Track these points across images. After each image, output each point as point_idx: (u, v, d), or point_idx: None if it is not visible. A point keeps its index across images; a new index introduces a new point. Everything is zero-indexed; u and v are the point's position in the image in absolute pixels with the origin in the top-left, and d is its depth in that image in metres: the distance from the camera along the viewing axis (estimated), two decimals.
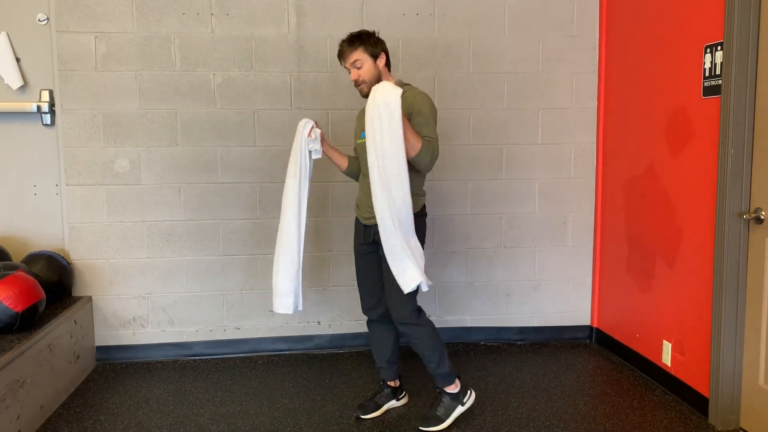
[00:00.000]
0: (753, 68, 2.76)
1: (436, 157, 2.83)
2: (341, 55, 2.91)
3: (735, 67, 2.77)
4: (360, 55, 2.86)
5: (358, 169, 3.09)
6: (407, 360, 3.63)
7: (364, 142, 2.75)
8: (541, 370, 3.66)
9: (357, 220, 3.06)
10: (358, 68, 2.87)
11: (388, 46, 3.87)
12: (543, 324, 4.15)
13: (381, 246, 2.77)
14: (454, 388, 3.01)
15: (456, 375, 3.03)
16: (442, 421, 2.97)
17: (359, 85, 2.91)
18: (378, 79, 2.88)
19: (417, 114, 2.81)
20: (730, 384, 2.91)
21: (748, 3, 2.73)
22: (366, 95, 2.90)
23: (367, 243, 2.98)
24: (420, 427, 2.97)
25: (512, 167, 4.03)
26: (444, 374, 2.98)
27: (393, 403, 3.19)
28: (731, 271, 2.86)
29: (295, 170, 2.92)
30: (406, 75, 3.86)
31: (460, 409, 3.01)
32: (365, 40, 2.87)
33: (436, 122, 2.88)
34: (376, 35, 2.92)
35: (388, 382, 3.19)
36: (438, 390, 3.04)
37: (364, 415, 3.11)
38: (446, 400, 3.00)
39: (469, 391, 3.07)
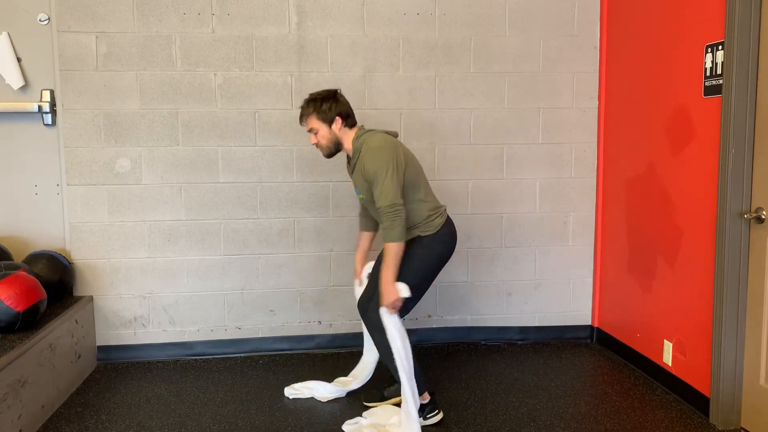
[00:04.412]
0: (754, 68, 2.76)
1: (401, 219, 2.76)
2: (300, 119, 2.97)
3: (736, 67, 2.77)
4: (314, 122, 2.92)
5: (373, 222, 3.21)
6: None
7: (362, 198, 2.97)
8: (541, 370, 3.66)
9: None
10: (315, 134, 2.94)
11: (389, 46, 3.88)
12: (544, 324, 4.15)
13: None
14: (421, 400, 2.96)
15: (425, 389, 2.97)
16: None
17: (318, 147, 2.99)
18: (336, 142, 2.94)
19: (371, 185, 2.83)
20: (731, 383, 2.91)
21: (749, 2, 2.73)
22: (328, 156, 3.01)
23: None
24: None
25: (513, 167, 4.03)
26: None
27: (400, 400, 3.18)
28: (732, 271, 2.86)
29: None
30: (406, 75, 3.87)
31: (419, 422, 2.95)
32: (317, 108, 2.89)
33: (390, 169, 2.77)
34: (336, 95, 2.92)
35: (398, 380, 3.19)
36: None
37: (366, 402, 3.18)
38: None
39: (437, 411, 3.00)
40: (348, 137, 2.94)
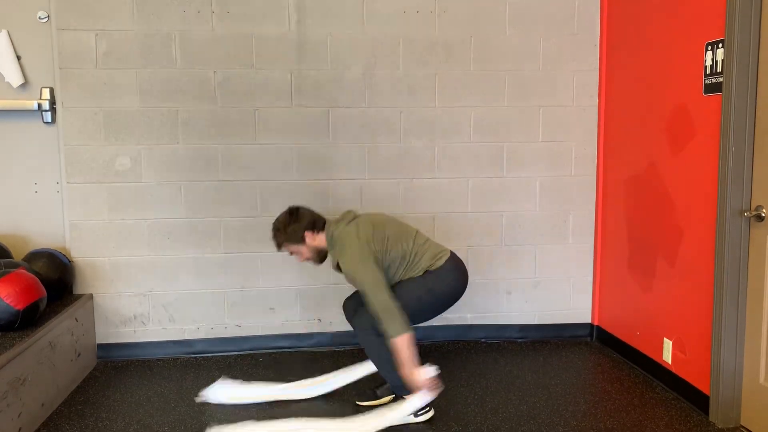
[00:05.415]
0: (754, 65, 2.76)
1: (395, 309, 2.82)
2: (279, 248, 3.09)
3: (736, 65, 2.76)
4: (291, 248, 3.06)
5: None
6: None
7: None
8: (541, 368, 3.67)
9: None
10: (298, 254, 3.08)
11: (389, 44, 3.87)
12: (544, 322, 4.15)
13: None
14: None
15: None
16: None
17: (309, 262, 3.14)
18: (319, 250, 3.06)
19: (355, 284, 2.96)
20: (730, 381, 2.91)
21: (749, 0, 2.73)
22: (320, 263, 3.16)
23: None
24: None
25: (513, 165, 4.03)
26: (400, 385, 2.97)
27: (393, 398, 3.19)
28: (732, 269, 2.86)
29: None
30: (406, 74, 3.87)
31: (410, 419, 2.97)
32: (286, 236, 3.02)
33: (363, 252, 2.92)
34: (295, 214, 3.02)
35: None
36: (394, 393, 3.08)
37: (359, 401, 3.19)
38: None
39: (427, 408, 3.00)
40: (323, 240, 3.06)
